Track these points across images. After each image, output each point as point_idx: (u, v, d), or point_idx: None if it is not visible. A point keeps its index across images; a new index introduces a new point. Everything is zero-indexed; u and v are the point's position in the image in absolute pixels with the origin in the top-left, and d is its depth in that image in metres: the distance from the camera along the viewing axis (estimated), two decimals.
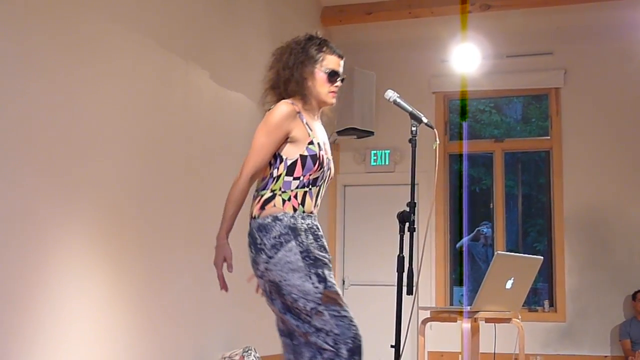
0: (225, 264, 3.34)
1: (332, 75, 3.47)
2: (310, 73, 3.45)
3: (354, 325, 3.24)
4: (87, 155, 4.57)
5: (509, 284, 4.73)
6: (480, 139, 9.40)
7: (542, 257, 4.98)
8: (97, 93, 4.69)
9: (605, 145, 8.28)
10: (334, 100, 3.52)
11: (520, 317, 5.03)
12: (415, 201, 3.49)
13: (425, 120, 3.53)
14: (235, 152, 6.44)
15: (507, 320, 4.99)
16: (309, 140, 3.37)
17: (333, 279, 3.31)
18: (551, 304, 8.34)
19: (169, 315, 5.42)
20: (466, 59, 8.24)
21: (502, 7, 8.03)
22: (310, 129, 3.40)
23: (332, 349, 3.18)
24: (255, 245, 3.32)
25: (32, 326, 4.08)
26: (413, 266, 3.44)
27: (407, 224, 3.46)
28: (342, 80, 3.52)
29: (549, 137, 8.60)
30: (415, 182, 3.54)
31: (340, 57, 3.54)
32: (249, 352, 6.02)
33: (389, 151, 8.79)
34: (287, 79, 3.46)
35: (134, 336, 5.04)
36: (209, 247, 5.89)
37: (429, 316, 5.03)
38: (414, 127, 3.53)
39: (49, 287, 4.22)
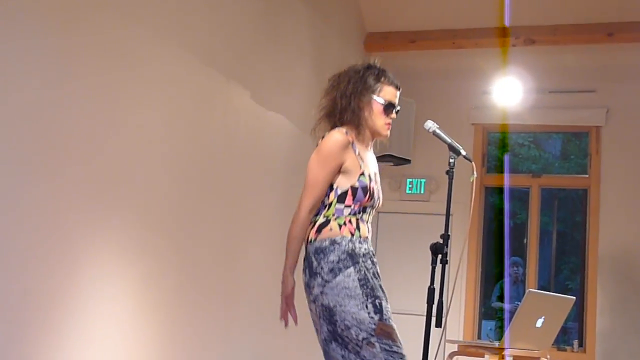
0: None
1: (389, 107, 3.45)
2: (367, 103, 3.42)
3: None
4: (124, 168, 4.60)
5: (539, 323, 4.68)
6: (518, 173, 9.33)
7: (574, 297, 4.93)
8: (138, 106, 4.72)
9: None
10: (388, 133, 3.50)
11: (549, 356, 4.98)
12: (449, 233, 3.47)
13: (463, 152, 3.51)
14: (273, 173, 6.46)
15: (536, 359, 4.93)
16: (360, 172, 3.34)
17: (390, 312, 3.27)
18: (580, 344, 8.22)
19: (196, 333, 5.41)
20: (507, 92, 8.21)
21: (546, 42, 8.00)
22: (362, 160, 3.38)
23: None
24: (310, 269, 3.27)
25: (59, 334, 4.09)
26: (443, 298, 3.42)
27: (439, 256, 3.44)
28: (397, 112, 3.51)
29: (587, 175, 8.51)
30: (450, 213, 3.52)
31: (397, 88, 3.52)
32: None
33: (424, 180, 8.76)
34: (344, 107, 3.41)
35: (159, 351, 5.04)
36: (241, 267, 5.93)
37: (456, 350, 4.99)
38: (452, 158, 3.51)
39: (77, 297, 4.24)
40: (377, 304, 3.20)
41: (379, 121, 3.44)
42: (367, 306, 3.17)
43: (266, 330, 6.17)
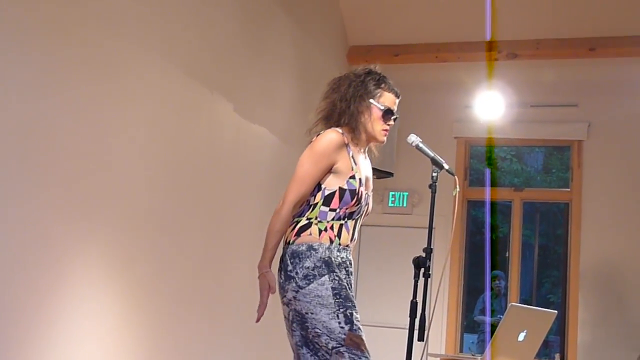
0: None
1: (387, 113, 3.45)
2: (367, 108, 3.41)
3: None
4: (107, 179, 4.58)
5: (521, 336, 4.68)
6: (500, 187, 9.37)
7: (556, 311, 4.93)
8: (122, 118, 4.70)
9: (625, 201, 8.22)
10: (384, 139, 3.49)
11: None
12: (432, 247, 3.47)
13: (446, 166, 3.51)
14: (256, 185, 6.45)
15: None
16: (351, 175, 3.33)
17: (359, 322, 3.26)
18: (562, 358, 8.24)
19: (179, 350, 5.39)
20: (490, 106, 8.24)
21: (529, 56, 8.05)
22: (355, 163, 3.37)
23: None
24: (285, 272, 3.25)
25: (41, 346, 4.06)
26: (425, 312, 3.41)
27: (422, 270, 3.44)
28: (394, 120, 3.51)
29: (569, 189, 8.55)
30: (433, 226, 3.52)
31: (397, 95, 3.52)
32: None
33: (407, 193, 8.77)
34: (343, 110, 3.40)
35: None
36: (224, 278, 5.91)
37: None
38: (434, 172, 3.51)
39: (60, 309, 4.21)
40: (349, 314, 3.19)
41: (377, 127, 3.44)
42: (338, 316, 3.17)
43: (250, 341, 6.16)
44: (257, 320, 3.28)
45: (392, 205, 8.81)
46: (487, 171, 8.76)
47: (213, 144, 5.80)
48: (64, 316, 4.23)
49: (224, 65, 5.93)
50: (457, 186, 3.51)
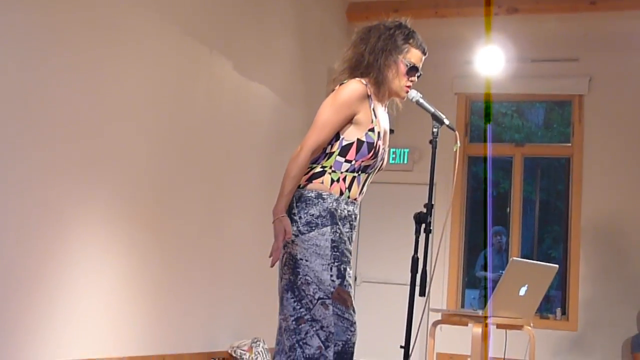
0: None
1: (412, 70, 3.42)
2: (394, 62, 3.38)
3: (352, 331, 3.16)
4: (107, 141, 4.58)
5: (522, 291, 4.70)
6: (501, 143, 9.33)
7: (557, 266, 4.95)
8: (120, 76, 4.69)
9: (626, 155, 8.22)
10: (406, 95, 3.46)
11: (532, 324, 5.00)
12: (433, 203, 3.46)
13: (447, 122, 3.49)
14: (256, 144, 6.44)
15: (519, 327, 4.96)
16: (370, 127, 3.30)
17: (351, 279, 3.26)
18: (563, 312, 8.29)
19: (180, 303, 5.42)
20: (490, 61, 8.19)
21: (529, 11, 7.99)
22: (375, 116, 3.35)
23: (320, 344, 3.13)
24: (289, 214, 3.24)
25: (44, 303, 4.09)
26: (427, 268, 3.42)
27: (423, 225, 3.44)
28: (419, 77, 3.48)
29: (569, 144, 8.54)
30: (433, 182, 3.52)
31: (424, 52, 3.49)
32: (257, 343, 6.03)
33: (407, 150, 8.77)
34: (370, 63, 3.36)
35: (145, 323, 5.04)
36: (224, 238, 5.93)
37: (439, 318, 5.01)
38: (435, 128, 3.49)
39: (63, 265, 4.23)
40: (342, 269, 3.18)
41: (401, 82, 3.41)
42: (331, 269, 3.16)
43: (250, 298, 6.19)
44: (272, 265, 3.25)
45: (393, 162, 8.80)
46: (489, 127, 8.73)
47: (213, 102, 5.78)
48: (67, 271, 4.25)
49: (222, 24, 5.89)
50: (458, 141, 3.49)
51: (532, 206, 9.58)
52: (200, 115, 5.61)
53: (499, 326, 4.86)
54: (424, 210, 3.43)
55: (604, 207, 8.23)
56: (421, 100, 3.56)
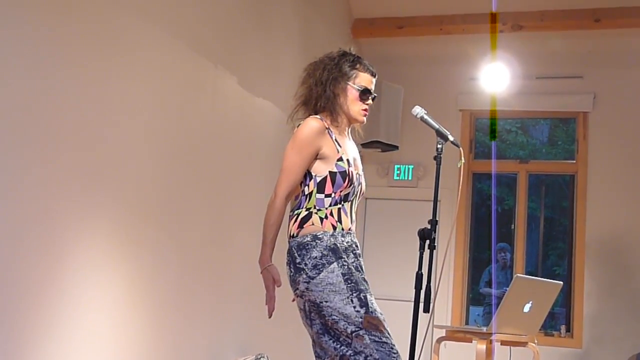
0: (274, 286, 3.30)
1: (364, 93, 3.45)
2: (343, 90, 3.42)
3: (395, 353, 3.19)
4: (112, 155, 4.58)
5: (526, 308, 4.70)
6: (505, 159, 9.35)
7: (561, 282, 4.95)
8: (126, 90, 4.70)
9: (630, 172, 8.21)
10: (364, 119, 3.50)
11: (536, 341, 5.00)
12: (437, 219, 3.47)
13: (451, 138, 3.51)
14: (260, 159, 6.45)
15: (523, 344, 4.95)
16: (338, 157, 3.34)
17: (375, 303, 3.28)
18: (568, 329, 8.27)
19: (185, 318, 5.41)
20: (495, 78, 8.21)
21: (534, 28, 8.00)
22: (340, 145, 3.38)
23: None
24: (294, 265, 3.27)
25: (47, 320, 4.08)
26: (431, 284, 3.42)
27: (427, 241, 3.44)
28: (373, 99, 3.51)
29: (574, 161, 8.53)
30: (438, 199, 3.52)
31: (373, 75, 3.52)
32: (262, 359, 6.01)
33: (412, 166, 8.77)
34: (319, 94, 3.42)
35: (149, 336, 5.04)
36: (228, 252, 5.92)
37: (444, 335, 5.01)
38: (439, 144, 3.51)
39: (66, 281, 4.23)
40: (362, 297, 3.21)
41: (355, 107, 3.45)
42: (352, 300, 3.19)
43: (255, 313, 6.18)
44: (270, 316, 3.31)
45: (398, 178, 8.80)
46: (493, 143, 8.74)
47: (217, 118, 5.79)
48: (69, 286, 4.25)
49: (228, 39, 5.91)
50: (463, 157, 3.51)
51: (537, 223, 9.58)
52: (205, 129, 5.62)
53: (503, 343, 4.85)
54: (429, 227, 3.44)
55: (608, 224, 8.22)
56: (425, 117, 3.58)
